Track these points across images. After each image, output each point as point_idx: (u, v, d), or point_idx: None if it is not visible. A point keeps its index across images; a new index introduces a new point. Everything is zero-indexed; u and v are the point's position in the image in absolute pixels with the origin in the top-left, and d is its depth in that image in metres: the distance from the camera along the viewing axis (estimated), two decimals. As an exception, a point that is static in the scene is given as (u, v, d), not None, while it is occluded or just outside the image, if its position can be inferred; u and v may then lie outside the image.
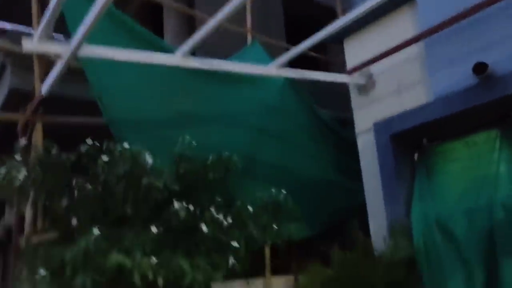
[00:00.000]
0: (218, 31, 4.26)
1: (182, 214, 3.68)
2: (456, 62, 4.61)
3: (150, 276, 3.26)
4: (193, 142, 4.31)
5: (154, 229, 3.59)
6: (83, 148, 3.93)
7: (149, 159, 3.84)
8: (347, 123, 7.73)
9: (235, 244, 4.00)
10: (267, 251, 5.90)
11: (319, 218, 6.11)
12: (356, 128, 5.76)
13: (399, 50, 5.13)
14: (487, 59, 4.22)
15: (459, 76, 4.52)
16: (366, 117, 5.58)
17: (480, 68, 4.06)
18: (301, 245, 5.92)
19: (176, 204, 3.75)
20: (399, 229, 4.70)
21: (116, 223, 3.85)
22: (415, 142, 5.14)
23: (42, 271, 3.44)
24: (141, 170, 3.67)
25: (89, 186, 3.96)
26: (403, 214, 4.82)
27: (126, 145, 3.74)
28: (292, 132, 6.28)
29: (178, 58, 4.29)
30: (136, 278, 3.20)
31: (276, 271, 6.17)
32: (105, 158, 3.74)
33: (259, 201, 4.70)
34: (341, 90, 8.35)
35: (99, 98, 4.94)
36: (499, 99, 4.13)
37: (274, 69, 4.94)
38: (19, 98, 5.25)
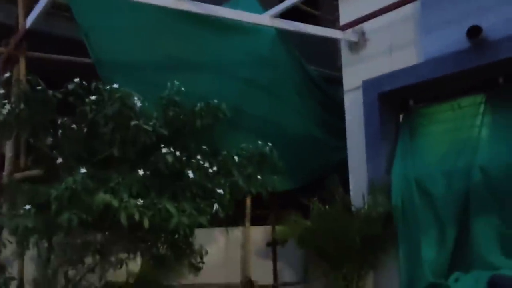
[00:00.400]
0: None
1: (170, 158, 3.69)
2: (449, 25, 4.60)
3: (136, 217, 3.30)
4: (182, 88, 4.27)
5: (141, 172, 3.59)
6: (70, 86, 3.84)
7: (138, 102, 3.80)
8: (333, 81, 7.75)
9: (220, 191, 4.06)
10: (248, 201, 6.01)
11: (302, 172, 6.20)
12: (344, 85, 5.78)
13: (394, 9, 5.06)
14: (481, 23, 4.22)
15: (452, 39, 4.53)
16: (355, 75, 5.58)
17: (474, 32, 4.07)
18: (282, 197, 6.03)
19: (164, 149, 3.74)
20: (378, 186, 4.84)
21: (102, 164, 3.85)
22: (402, 102, 5.20)
23: (27, 206, 3.44)
24: (130, 112, 3.63)
25: (74, 126, 3.92)
26: (383, 172, 4.95)
27: (115, 86, 3.66)
28: (280, 86, 6.25)
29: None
30: (123, 218, 3.24)
31: (255, 221, 6.32)
32: (93, 97, 3.67)
33: (245, 152, 4.75)
34: (328, 49, 8.32)
35: (86, 38, 4.80)
36: (489, 64, 4.18)
37: (268, 19, 4.86)
38: (2, 31, 5.05)
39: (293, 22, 5.10)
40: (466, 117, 4.53)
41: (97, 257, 4.20)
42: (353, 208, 5.12)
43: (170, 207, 3.43)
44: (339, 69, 7.92)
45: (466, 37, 4.30)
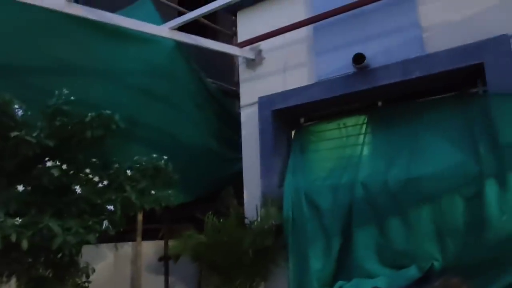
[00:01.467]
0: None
1: (55, 172, 3.44)
2: (339, 50, 4.96)
3: (13, 238, 3.00)
4: (72, 97, 4.01)
5: (20, 188, 3.29)
6: None
7: (19, 110, 3.49)
8: (230, 95, 7.90)
9: (110, 207, 3.87)
10: (140, 216, 5.83)
11: (197, 185, 6.19)
12: (241, 101, 5.91)
13: (290, 30, 5.32)
14: (366, 50, 4.62)
15: (341, 63, 4.88)
16: (251, 91, 5.74)
17: (358, 59, 4.44)
18: (174, 210, 5.95)
19: (49, 162, 3.48)
20: (271, 198, 5.01)
21: (-27, 178, 3.46)
22: (293, 120, 5.47)
23: None
24: (10, 121, 3.31)
25: None
26: (276, 185, 5.13)
27: (-8, 92, 3.33)
28: (177, 97, 6.18)
29: (62, 2, 3.90)
30: (-2, 239, 2.93)
31: (146, 236, 6.14)
32: (-35, 104, 3.30)
33: (139, 165, 4.60)
34: (226, 63, 8.46)
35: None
36: (370, 89, 4.58)
37: (167, 31, 4.79)
38: None
39: (192, 35, 5.10)
40: (350, 136, 4.90)
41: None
42: (246, 221, 5.23)
43: (53, 225, 3.18)
44: (236, 83, 8.12)
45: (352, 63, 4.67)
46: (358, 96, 4.76)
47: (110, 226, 3.86)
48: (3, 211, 3.09)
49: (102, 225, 3.78)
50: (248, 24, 5.95)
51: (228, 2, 4.90)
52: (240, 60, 5.99)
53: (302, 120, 5.43)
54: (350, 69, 4.77)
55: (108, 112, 4.29)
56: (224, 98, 7.37)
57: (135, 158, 4.74)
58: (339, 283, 4.27)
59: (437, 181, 4.02)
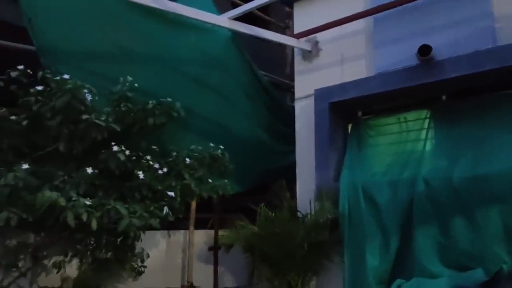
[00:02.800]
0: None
1: (122, 157, 3.50)
2: (400, 42, 4.81)
3: (84, 218, 3.08)
4: (136, 84, 4.08)
5: (89, 170, 3.37)
6: (12, 74, 3.53)
7: (88, 95, 3.57)
8: (281, 88, 7.85)
9: (171, 193, 3.92)
10: (194, 204, 5.88)
11: (249, 175, 6.19)
12: (295, 93, 5.84)
13: (348, 22, 5.20)
14: (429, 42, 4.43)
15: (402, 55, 4.73)
16: (307, 83, 5.67)
17: (424, 50, 4.28)
18: (225, 201, 5.97)
19: (115, 147, 3.55)
20: (326, 192, 4.92)
21: (44, 160, 3.57)
22: (350, 113, 5.35)
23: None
24: (80, 106, 3.40)
25: (14, 117, 3.60)
26: (331, 179, 5.04)
27: (66, 76, 3.41)
28: (230, 88, 6.19)
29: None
30: (70, 219, 3.01)
31: (197, 225, 6.20)
32: (39, 88, 3.40)
33: (196, 154, 4.64)
34: (279, 56, 8.41)
35: (30, 23, 4.46)
36: (435, 82, 4.40)
37: (226, 21, 4.79)
38: None
39: (251, 26, 5.07)
40: (411, 131, 4.74)
41: (30, 260, 3.89)
42: (299, 214, 5.17)
43: (121, 208, 3.24)
44: (288, 76, 8.07)
45: (414, 55, 4.50)
46: (421, 89, 4.59)
47: (170, 212, 3.90)
48: (75, 191, 3.17)
49: (162, 210, 3.83)
50: (305, 16, 5.87)
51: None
52: (296, 52, 5.92)
53: (359, 113, 5.31)
54: (412, 61, 4.60)
55: (169, 99, 4.34)
56: (276, 91, 7.33)
57: (192, 147, 4.79)
58: (398, 281, 4.15)
59: (506, 179, 3.81)
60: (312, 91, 5.53)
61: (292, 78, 8.09)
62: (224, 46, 6.01)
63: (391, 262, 4.33)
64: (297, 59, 5.90)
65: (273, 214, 5.10)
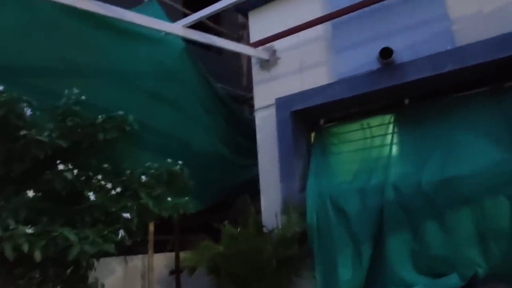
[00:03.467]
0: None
1: (69, 176, 3.12)
2: (360, 46, 4.72)
3: (25, 248, 2.68)
4: (83, 97, 3.72)
5: (30, 193, 2.97)
6: None
7: (27, 109, 3.19)
8: (238, 100, 7.64)
9: (126, 215, 3.56)
10: (151, 226, 5.49)
11: (208, 192, 5.88)
12: (255, 103, 5.64)
13: (305, 28, 5.07)
14: (390, 46, 4.36)
15: (362, 60, 4.64)
16: (266, 93, 5.48)
17: (386, 53, 4.19)
18: (183, 219, 5.63)
19: (61, 165, 3.17)
20: (292, 204, 4.71)
21: (-22, 184, 3.14)
22: (313, 121, 5.20)
23: None
24: (18, 121, 3.01)
25: None
26: (297, 190, 4.83)
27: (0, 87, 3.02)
28: (186, 101, 5.91)
29: (72, -4, 3.64)
30: (8, 251, 2.60)
31: (158, 247, 5.80)
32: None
33: (153, 171, 4.31)
34: (232, 67, 8.22)
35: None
36: (397, 85, 4.32)
37: (181, 29, 4.53)
38: None
39: (206, 34, 4.84)
40: (376, 136, 4.64)
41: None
42: (265, 229, 4.92)
43: (69, 234, 2.86)
44: (244, 88, 7.88)
45: (375, 59, 4.42)
46: (384, 93, 4.50)
47: (126, 236, 3.53)
48: (13, 219, 2.76)
49: (118, 234, 3.46)
50: (260, 24, 5.71)
51: (239, 0, 4.66)
52: (253, 62, 5.73)
53: (322, 121, 5.16)
54: (373, 66, 4.52)
55: (121, 112, 4.01)
56: (233, 103, 7.11)
57: (147, 164, 4.46)
58: (373, 293, 3.96)
59: (477, 181, 3.74)
60: (272, 101, 5.35)
61: (248, 90, 7.94)
62: (178, 57, 5.74)
63: (364, 273, 4.14)
64: (255, 69, 5.71)
65: (238, 231, 4.82)
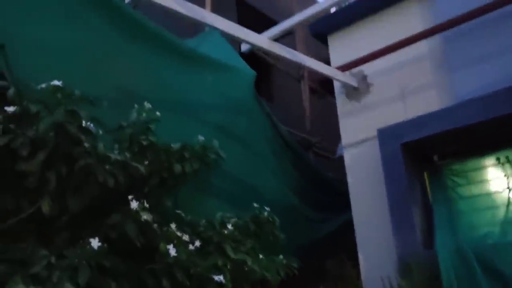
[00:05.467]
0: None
1: (147, 217, 2.08)
2: (484, 61, 3.75)
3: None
4: (158, 113, 2.78)
5: (95, 243, 1.91)
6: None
7: (90, 123, 2.21)
8: (301, 146, 6.66)
9: (218, 278, 2.45)
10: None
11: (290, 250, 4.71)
12: (343, 140, 4.65)
13: (407, 45, 4.16)
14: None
15: (490, 77, 3.65)
16: (357, 126, 4.50)
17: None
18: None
19: (134, 203, 2.13)
20: (413, 264, 3.52)
21: (14, 232, 2.10)
22: (425, 157, 4.12)
23: None
24: (80, 131, 2.02)
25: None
26: (419, 245, 3.66)
27: (56, 82, 2.07)
28: (256, 140, 4.95)
29: None
30: None
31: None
32: (10, 109, 2.04)
33: (234, 219, 3.25)
34: (296, 109, 7.34)
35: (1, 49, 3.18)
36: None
37: (267, 42, 3.65)
38: None
39: (293, 51, 3.95)
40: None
41: None
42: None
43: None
44: (307, 132, 6.92)
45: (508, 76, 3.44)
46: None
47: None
48: (70, 281, 1.70)
49: (208, 308, 2.34)
50: (344, 49, 4.83)
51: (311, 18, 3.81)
52: (338, 91, 4.79)
53: (436, 157, 4.08)
54: (505, 83, 3.52)
55: (202, 138, 3.04)
56: (300, 148, 6.13)
57: (218, 214, 3.40)
58: None
59: None
60: (365, 136, 4.36)
61: (312, 134, 6.97)
62: (247, 88, 4.85)
63: None
64: (340, 99, 4.78)
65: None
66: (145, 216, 2.08)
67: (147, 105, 2.78)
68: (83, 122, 2.07)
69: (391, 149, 3.94)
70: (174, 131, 3.83)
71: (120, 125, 2.62)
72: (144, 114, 2.72)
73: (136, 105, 2.79)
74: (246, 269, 2.64)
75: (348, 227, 4.81)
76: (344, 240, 5.26)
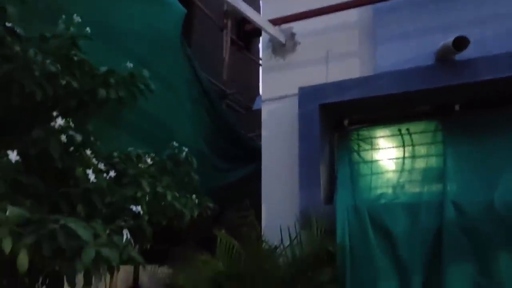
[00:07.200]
0: None
1: (78, 138, 1.93)
2: (411, 36, 4.02)
3: (7, 248, 1.48)
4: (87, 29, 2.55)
5: (13, 155, 1.75)
6: None
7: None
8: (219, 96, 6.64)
9: (136, 208, 2.40)
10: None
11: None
12: (263, 94, 4.74)
13: (338, 10, 4.29)
14: (450, 39, 3.69)
15: (414, 53, 3.94)
16: (278, 82, 4.59)
17: (461, 43, 3.50)
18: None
19: (60, 119, 1.97)
20: (313, 217, 3.79)
21: None
22: (338, 121, 4.36)
23: None
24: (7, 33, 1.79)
25: None
26: (321, 201, 3.93)
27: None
28: (178, 82, 4.85)
29: None
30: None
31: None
32: None
33: (153, 156, 3.19)
34: (215, 57, 7.21)
35: None
36: (461, 85, 3.65)
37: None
38: None
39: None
40: (421, 144, 3.90)
41: None
42: (265, 246, 3.92)
43: (79, 228, 1.69)
44: (223, 82, 6.88)
45: (434, 53, 3.75)
46: (439, 93, 3.81)
47: (131, 240, 2.37)
48: None
49: (122, 237, 2.29)
50: (276, 3, 4.83)
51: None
52: (265, 45, 4.80)
53: (346, 122, 4.34)
54: (425, 61, 3.84)
55: (130, 65, 2.89)
56: (216, 98, 6.10)
57: (130, 149, 3.31)
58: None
59: None
60: (285, 92, 4.49)
61: (228, 86, 6.95)
62: (175, 25, 4.68)
63: (412, 309, 3.31)
64: (266, 53, 4.80)
65: (241, 245, 3.79)
66: (75, 136, 1.93)
67: (76, 18, 2.53)
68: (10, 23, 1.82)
69: (309, 108, 4.11)
70: (98, 58, 3.58)
71: (42, 35, 2.35)
72: (71, 29, 2.47)
73: (63, 16, 2.52)
74: (163, 203, 2.61)
75: (251, 180, 4.98)
76: (246, 192, 5.44)
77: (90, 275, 1.75)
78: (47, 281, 2.22)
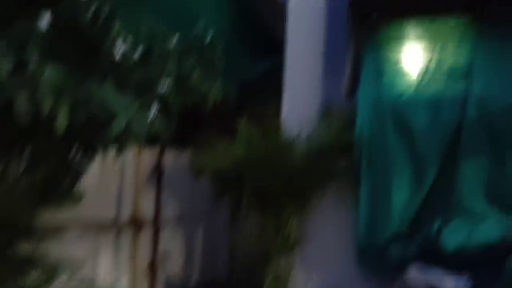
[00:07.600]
0: None
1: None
2: None
3: (46, 106, 1.56)
4: None
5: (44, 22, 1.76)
6: None
7: None
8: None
9: (162, 87, 2.46)
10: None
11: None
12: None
13: None
14: None
15: None
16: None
17: None
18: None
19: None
20: (336, 110, 3.84)
21: None
22: (366, 14, 4.18)
23: None
24: None
25: None
26: (342, 94, 3.94)
27: None
28: None
29: None
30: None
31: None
32: None
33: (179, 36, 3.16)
34: None
35: None
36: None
37: None
38: None
39: None
40: (453, 39, 3.76)
41: None
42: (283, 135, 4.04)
43: (112, 97, 1.76)
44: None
45: None
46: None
47: (157, 116, 2.46)
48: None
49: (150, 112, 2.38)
50: None
51: None
52: None
53: (375, 15, 4.16)
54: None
55: None
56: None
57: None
58: (436, 224, 3.32)
59: None
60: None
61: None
62: None
63: (423, 197, 3.48)
64: None
65: (262, 133, 3.92)
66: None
67: None
68: None
69: (338, 0, 3.94)
70: None
71: None
72: None
73: None
74: (188, 86, 2.66)
75: (274, 72, 4.95)
76: (268, 84, 5.42)
77: (121, 145, 1.85)
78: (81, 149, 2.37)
